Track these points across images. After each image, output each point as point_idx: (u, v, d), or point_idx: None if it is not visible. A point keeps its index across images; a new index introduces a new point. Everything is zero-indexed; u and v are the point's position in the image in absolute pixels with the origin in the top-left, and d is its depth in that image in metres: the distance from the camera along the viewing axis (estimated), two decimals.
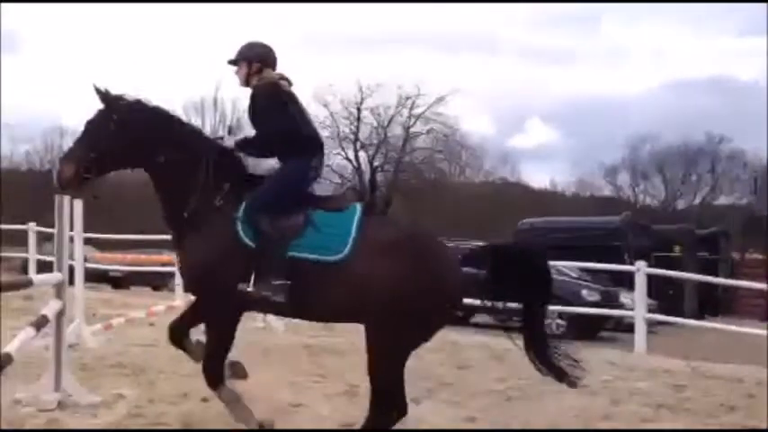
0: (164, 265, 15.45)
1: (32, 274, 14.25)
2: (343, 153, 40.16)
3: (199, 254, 4.46)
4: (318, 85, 38.61)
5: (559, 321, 13.54)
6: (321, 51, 58.86)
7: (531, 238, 18.69)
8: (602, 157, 45.67)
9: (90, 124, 4.53)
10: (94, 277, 15.51)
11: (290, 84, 4.80)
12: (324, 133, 38.77)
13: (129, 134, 4.47)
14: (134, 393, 5.73)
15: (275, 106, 4.59)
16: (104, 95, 4.51)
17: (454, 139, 40.36)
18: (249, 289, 4.35)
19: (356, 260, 4.27)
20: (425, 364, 6.96)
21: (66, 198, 5.56)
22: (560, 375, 4.53)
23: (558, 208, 34.95)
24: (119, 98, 4.55)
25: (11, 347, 4.56)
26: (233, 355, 5.20)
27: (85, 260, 7.85)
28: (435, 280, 4.33)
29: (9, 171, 37.10)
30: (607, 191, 45.26)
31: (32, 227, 15.64)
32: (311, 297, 4.36)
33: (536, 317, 4.61)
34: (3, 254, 18.75)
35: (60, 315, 5.36)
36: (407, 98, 39.14)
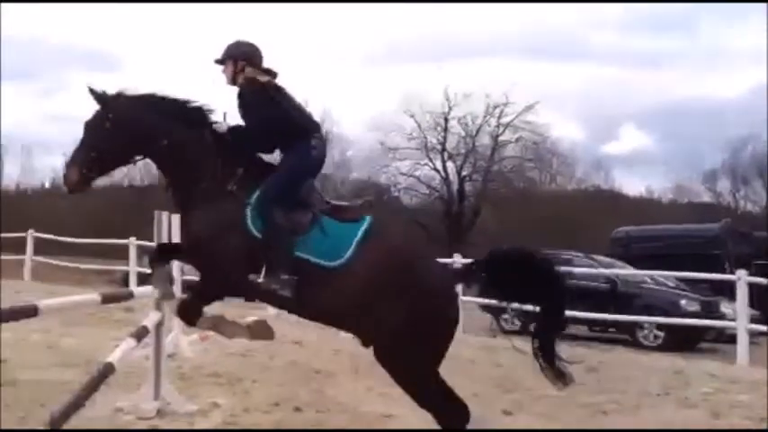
0: None
1: (133, 286, 14.81)
2: (430, 164, 40.21)
3: (202, 226, 4.46)
4: (405, 96, 39.00)
5: (657, 333, 13.14)
6: (406, 61, 59.34)
7: (626, 247, 18.21)
8: (700, 162, 44.20)
9: (88, 126, 4.64)
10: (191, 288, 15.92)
11: (275, 76, 4.80)
12: (411, 144, 39.36)
13: (125, 128, 4.56)
14: (229, 402, 5.87)
15: (262, 100, 4.62)
16: (98, 95, 4.60)
17: (544, 146, 39.75)
18: (259, 280, 4.36)
19: (353, 269, 4.28)
20: (517, 376, 6.86)
21: (165, 213, 5.74)
22: (558, 376, 4.42)
23: (654, 215, 33.79)
24: (113, 96, 4.63)
25: (113, 357, 4.72)
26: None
27: (182, 272, 8.08)
28: (426, 295, 4.29)
29: (110, 187, 38.65)
30: (706, 197, 43.52)
31: (133, 241, 16.25)
32: (307, 297, 4.36)
33: (552, 320, 4.51)
34: (105, 267, 19.58)
35: (159, 326, 5.52)
36: (495, 107, 38.85)
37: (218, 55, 4.82)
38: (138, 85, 4.83)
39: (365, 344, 4.40)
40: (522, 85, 40.64)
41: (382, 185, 40.94)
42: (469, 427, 4.33)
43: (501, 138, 39.71)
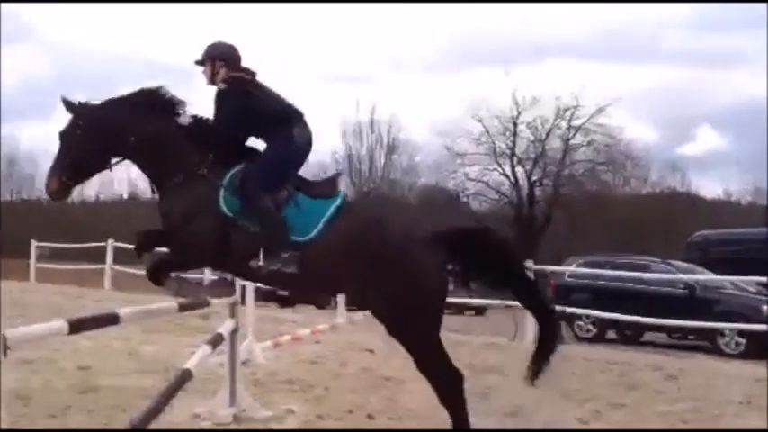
0: None
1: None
2: (499, 169, 39.84)
3: (176, 209, 4.67)
4: (472, 100, 38.75)
5: (739, 339, 12.71)
6: (472, 65, 59.07)
7: (703, 251, 17.68)
8: None
9: (62, 135, 4.84)
10: (263, 296, 16.21)
11: (253, 75, 4.91)
12: (479, 150, 39.06)
13: (94, 133, 4.76)
14: (303, 409, 5.92)
15: (237, 93, 4.76)
16: (68, 105, 4.81)
17: (617, 149, 38.91)
18: (261, 263, 4.54)
19: (323, 242, 4.49)
20: (594, 385, 6.73)
21: None
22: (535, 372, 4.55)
23: (732, 218, 32.75)
24: (81, 104, 4.83)
25: (190, 364, 4.81)
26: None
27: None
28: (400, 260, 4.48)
29: None
30: None
31: None
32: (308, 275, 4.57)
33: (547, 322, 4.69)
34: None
35: (234, 333, 5.61)
36: (566, 110, 38.23)
37: (199, 56, 4.96)
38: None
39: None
40: (592, 88, 39.80)
41: (450, 191, 40.77)
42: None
43: (572, 141, 39.07)
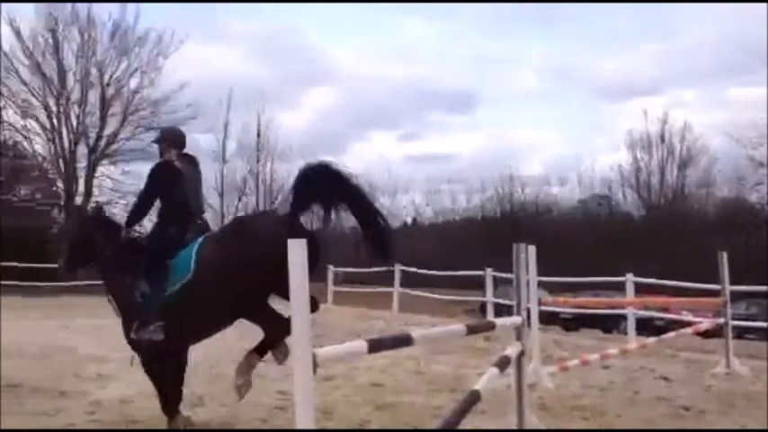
0: (613, 308, 15.30)
1: (490, 316, 15.30)
2: None
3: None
4: None
5: None
6: None
7: None
8: None
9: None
10: (545, 319, 16.01)
11: (194, 162, 6.03)
12: None
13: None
14: None
15: (156, 182, 5.77)
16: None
17: None
18: (133, 336, 5.44)
19: (199, 273, 5.29)
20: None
21: (522, 245, 5.83)
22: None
23: None
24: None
25: (479, 385, 4.85)
26: None
27: (539, 303, 8.13)
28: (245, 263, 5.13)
29: (465, 219, 40.50)
30: None
31: (489, 272, 16.81)
32: (187, 316, 5.35)
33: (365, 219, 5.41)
34: (461, 297, 20.50)
35: (521, 356, 5.57)
36: None
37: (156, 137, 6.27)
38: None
39: None
40: None
41: (752, 205, 37.21)
42: None
43: None
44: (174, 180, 5.73)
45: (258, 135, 40.20)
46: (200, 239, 5.50)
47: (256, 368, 5.47)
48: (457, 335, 5.09)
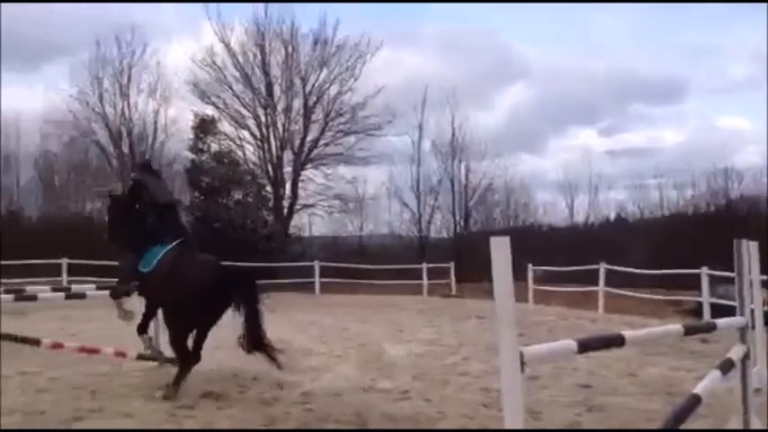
0: None
1: (707, 317, 14.40)
2: None
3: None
4: None
5: None
6: None
7: None
8: None
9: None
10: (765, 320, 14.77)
11: (158, 174, 8.49)
12: None
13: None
14: None
15: (135, 189, 7.98)
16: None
17: None
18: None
19: (157, 270, 7.27)
20: None
21: (744, 241, 5.46)
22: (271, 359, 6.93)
23: None
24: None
25: (699, 389, 4.60)
26: None
27: (764, 304, 7.53)
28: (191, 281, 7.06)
29: (673, 215, 38.38)
30: None
31: (705, 270, 15.86)
32: (146, 291, 7.63)
33: (249, 309, 6.88)
34: (673, 297, 19.45)
35: (745, 359, 5.24)
36: None
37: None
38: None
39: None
40: None
41: None
42: None
43: None
44: (140, 189, 7.83)
45: (453, 135, 40.44)
46: (170, 245, 7.40)
47: (456, 366, 5.50)
48: (673, 336, 4.86)
